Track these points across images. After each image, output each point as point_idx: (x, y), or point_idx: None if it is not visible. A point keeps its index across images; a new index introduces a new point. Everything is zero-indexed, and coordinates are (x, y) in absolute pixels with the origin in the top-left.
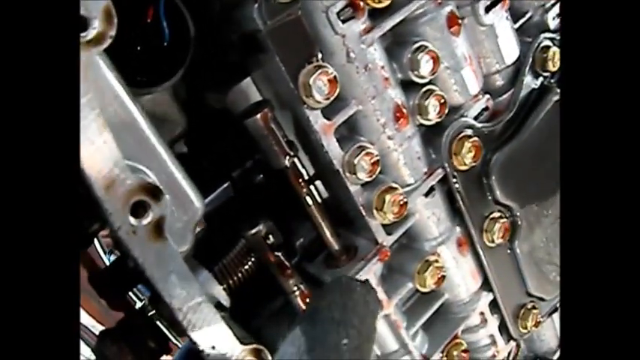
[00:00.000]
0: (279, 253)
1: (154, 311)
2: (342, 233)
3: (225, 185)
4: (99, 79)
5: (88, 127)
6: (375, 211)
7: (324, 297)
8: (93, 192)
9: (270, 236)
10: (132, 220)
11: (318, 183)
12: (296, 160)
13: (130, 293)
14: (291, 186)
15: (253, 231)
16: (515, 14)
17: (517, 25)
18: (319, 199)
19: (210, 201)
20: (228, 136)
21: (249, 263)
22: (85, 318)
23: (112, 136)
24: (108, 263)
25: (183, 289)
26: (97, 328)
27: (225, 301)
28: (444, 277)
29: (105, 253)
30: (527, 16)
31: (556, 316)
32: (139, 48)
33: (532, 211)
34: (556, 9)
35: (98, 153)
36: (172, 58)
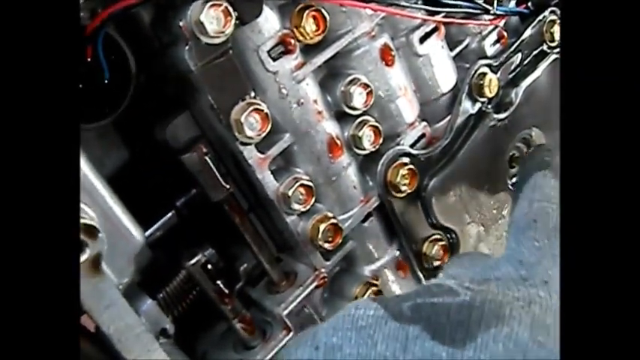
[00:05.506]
0: (219, 282)
1: None
2: (285, 258)
3: (171, 214)
4: None
5: None
6: (310, 240)
7: None
8: None
9: (210, 265)
10: None
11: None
12: (235, 190)
13: None
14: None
15: (193, 261)
16: (452, 41)
17: (454, 53)
18: (259, 229)
19: (155, 230)
20: (173, 166)
21: (192, 291)
22: None
23: None
24: None
25: (121, 321)
26: None
27: (171, 327)
28: None
29: None
30: (465, 43)
31: None
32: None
33: (473, 229)
34: (493, 36)
35: None
36: (115, 93)
